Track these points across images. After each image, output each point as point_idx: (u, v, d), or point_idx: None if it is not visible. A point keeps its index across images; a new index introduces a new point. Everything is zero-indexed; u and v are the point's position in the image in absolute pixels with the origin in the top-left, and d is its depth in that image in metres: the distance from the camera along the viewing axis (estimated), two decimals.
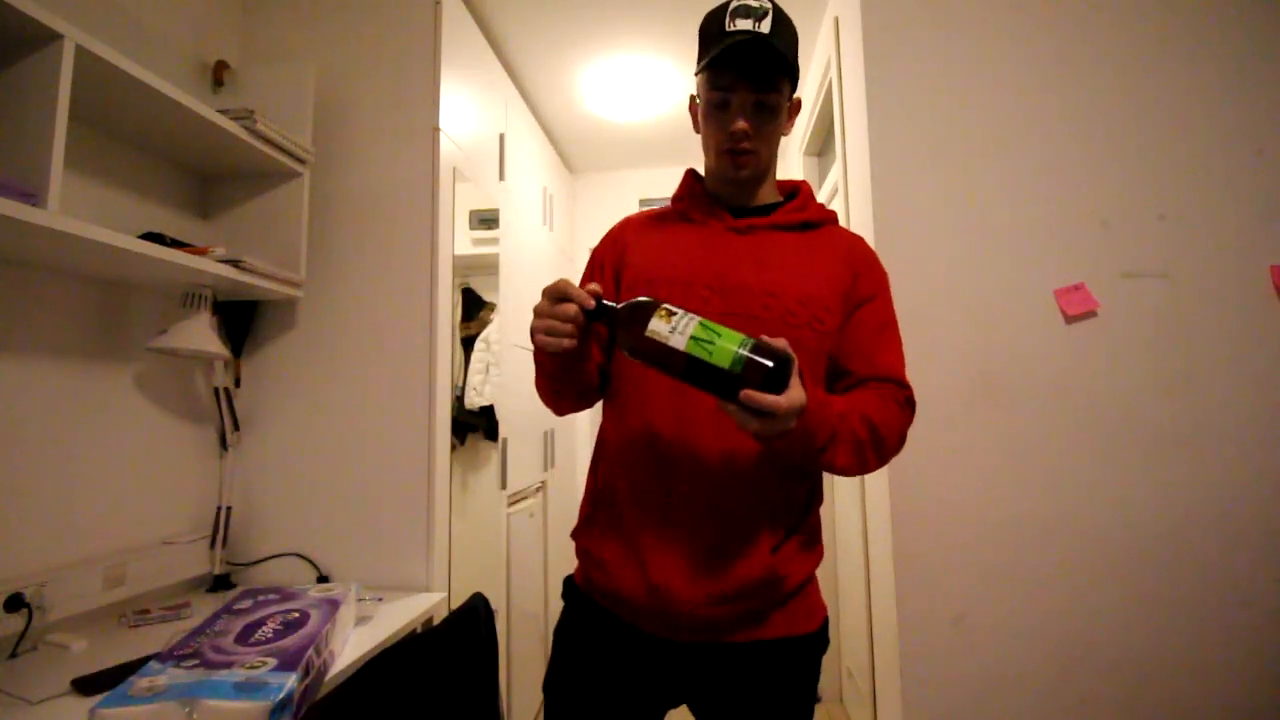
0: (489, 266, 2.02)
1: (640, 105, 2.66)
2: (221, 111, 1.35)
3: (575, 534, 1.00)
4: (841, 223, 1.80)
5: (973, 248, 1.47)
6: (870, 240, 1.50)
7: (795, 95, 0.99)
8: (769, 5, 0.91)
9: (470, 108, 1.88)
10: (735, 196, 1.00)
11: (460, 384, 1.89)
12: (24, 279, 1.20)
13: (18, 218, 0.93)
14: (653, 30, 2.17)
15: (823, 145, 2.57)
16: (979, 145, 1.49)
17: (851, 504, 1.86)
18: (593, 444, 1.03)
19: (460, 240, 1.77)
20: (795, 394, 0.72)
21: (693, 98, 1.03)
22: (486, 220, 2.01)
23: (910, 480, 1.42)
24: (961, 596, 1.39)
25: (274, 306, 1.65)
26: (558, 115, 2.72)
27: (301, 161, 1.55)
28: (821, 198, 2.54)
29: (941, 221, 1.48)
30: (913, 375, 1.43)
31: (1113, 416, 1.41)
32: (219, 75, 1.60)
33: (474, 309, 2.02)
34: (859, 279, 0.96)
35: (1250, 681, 1.35)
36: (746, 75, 0.90)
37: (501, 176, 2.12)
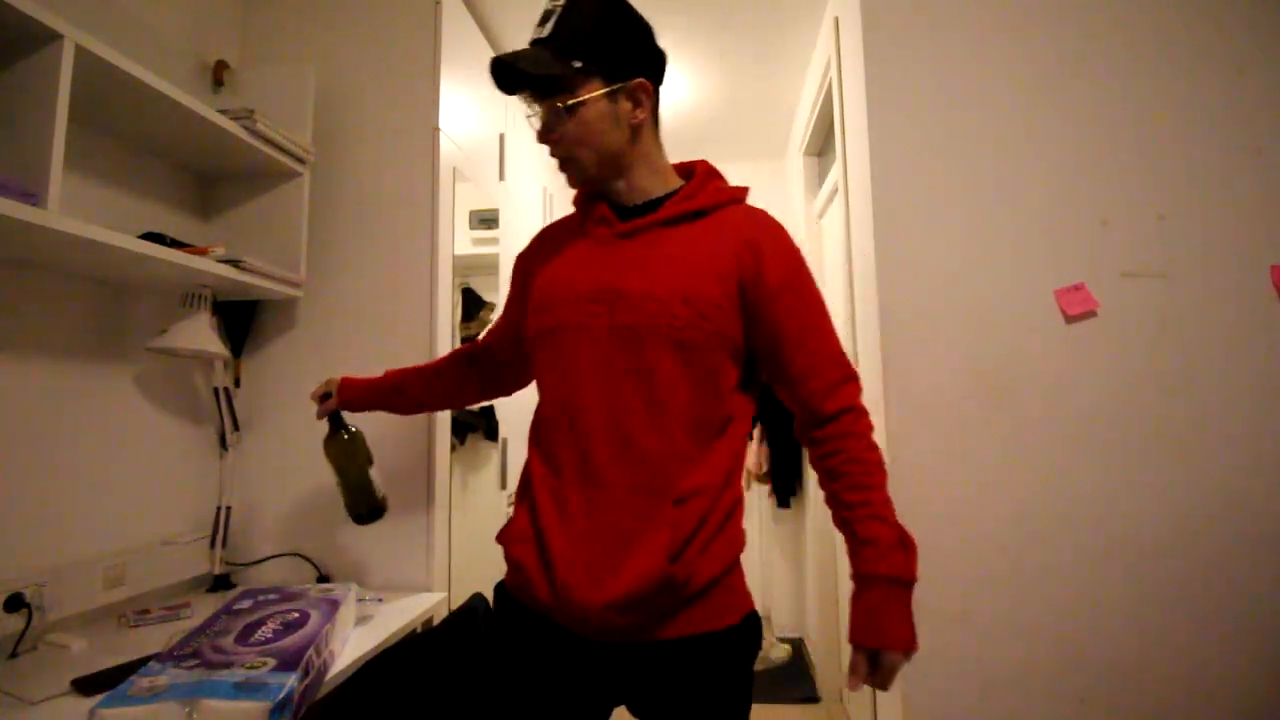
0: (489, 266, 2.02)
1: None
2: (221, 111, 1.35)
3: (500, 535, 0.97)
4: (841, 223, 1.81)
5: (973, 248, 1.47)
6: (870, 240, 1.50)
7: (619, 85, 0.90)
8: (560, 1, 0.90)
9: (470, 108, 1.88)
10: (620, 195, 0.97)
11: None
12: (24, 279, 1.20)
13: (18, 218, 0.93)
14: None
15: (823, 145, 2.57)
16: (979, 145, 1.49)
17: None
18: None
19: (460, 240, 1.77)
20: (888, 670, 0.85)
21: None
22: (486, 220, 2.01)
23: (910, 480, 1.42)
24: (962, 595, 1.40)
25: (274, 306, 1.65)
26: None
27: (301, 161, 1.55)
28: (821, 197, 2.54)
29: (941, 221, 1.48)
30: (913, 375, 1.44)
31: (1113, 416, 1.41)
32: (219, 75, 1.60)
33: (474, 309, 2.02)
34: (762, 261, 0.90)
35: (1250, 681, 1.35)
36: (525, 88, 0.92)
37: (501, 176, 2.12)
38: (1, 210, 0.90)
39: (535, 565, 0.88)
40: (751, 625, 0.91)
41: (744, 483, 1.06)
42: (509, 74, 0.90)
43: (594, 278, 0.92)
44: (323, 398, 1.29)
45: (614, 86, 0.90)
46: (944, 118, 1.50)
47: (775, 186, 3.26)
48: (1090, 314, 1.44)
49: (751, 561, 3.46)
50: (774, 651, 2.77)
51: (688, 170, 1.01)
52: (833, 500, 0.92)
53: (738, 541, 0.90)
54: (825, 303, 0.97)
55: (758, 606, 0.95)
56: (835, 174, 1.93)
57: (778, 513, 3.07)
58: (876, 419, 1.50)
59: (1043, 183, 1.47)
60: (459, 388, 1.27)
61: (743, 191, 0.99)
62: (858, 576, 0.87)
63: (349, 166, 1.67)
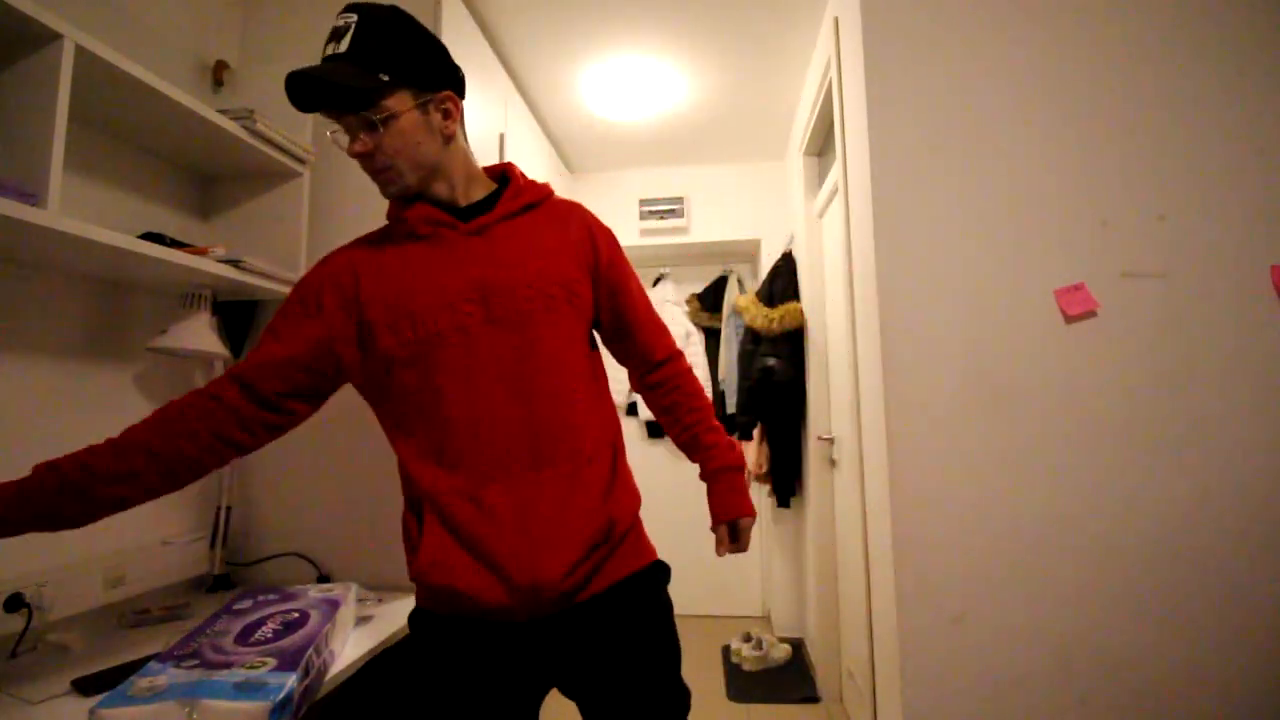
0: None
1: (640, 105, 2.67)
2: (221, 111, 1.35)
3: (408, 566, 0.95)
4: (841, 223, 1.81)
5: (973, 248, 1.47)
6: (870, 240, 1.50)
7: (429, 96, 0.94)
8: (353, 19, 0.89)
9: (470, 108, 1.88)
10: (444, 198, 1.00)
11: None
12: (24, 279, 1.20)
13: (18, 218, 0.93)
14: (652, 30, 2.17)
15: (823, 145, 2.57)
16: (979, 145, 1.49)
17: (852, 504, 1.86)
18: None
19: None
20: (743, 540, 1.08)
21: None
22: None
23: (910, 480, 1.42)
24: (961, 596, 1.40)
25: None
26: (558, 115, 2.72)
27: (301, 161, 1.55)
28: (821, 197, 2.54)
29: (941, 221, 1.48)
30: (913, 375, 1.44)
31: (1113, 416, 1.41)
32: (219, 75, 1.60)
33: None
34: (598, 242, 1.05)
35: (1251, 681, 1.35)
36: (330, 105, 0.91)
37: None
38: (1, 210, 0.90)
39: (473, 575, 0.87)
40: (661, 567, 1.02)
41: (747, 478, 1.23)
42: (312, 89, 0.89)
43: (460, 277, 0.94)
44: None
45: (424, 99, 0.94)
46: (944, 118, 1.50)
47: (775, 186, 3.26)
48: (1090, 314, 1.44)
49: (752, 561, 3.46)
50: (774, 651, 2.77)
51: (498, 172, 1.08)
52: (674, 424, 1.13)
53: (637, 492, 1.03)
54: (640, 288, 1.14)
55: (758, 606, 1.02)
56: (835, 174, 1.93)
57: (778, 513, 3.07)
58: (876, 419, 1.50)
59: (1043, 183, 1.47)
60: (202, 450, 0.91)
61: (549, 187, 1.10)
62: (709, 472, 1.09)
63: (349, 166, 1.65)
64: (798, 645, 2.91)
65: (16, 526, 0.81)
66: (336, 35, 0.90)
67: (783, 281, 2.76)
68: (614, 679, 0.93)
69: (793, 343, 2.68)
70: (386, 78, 0.89)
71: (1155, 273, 1.44)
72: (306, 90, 0.90)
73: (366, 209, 1.66)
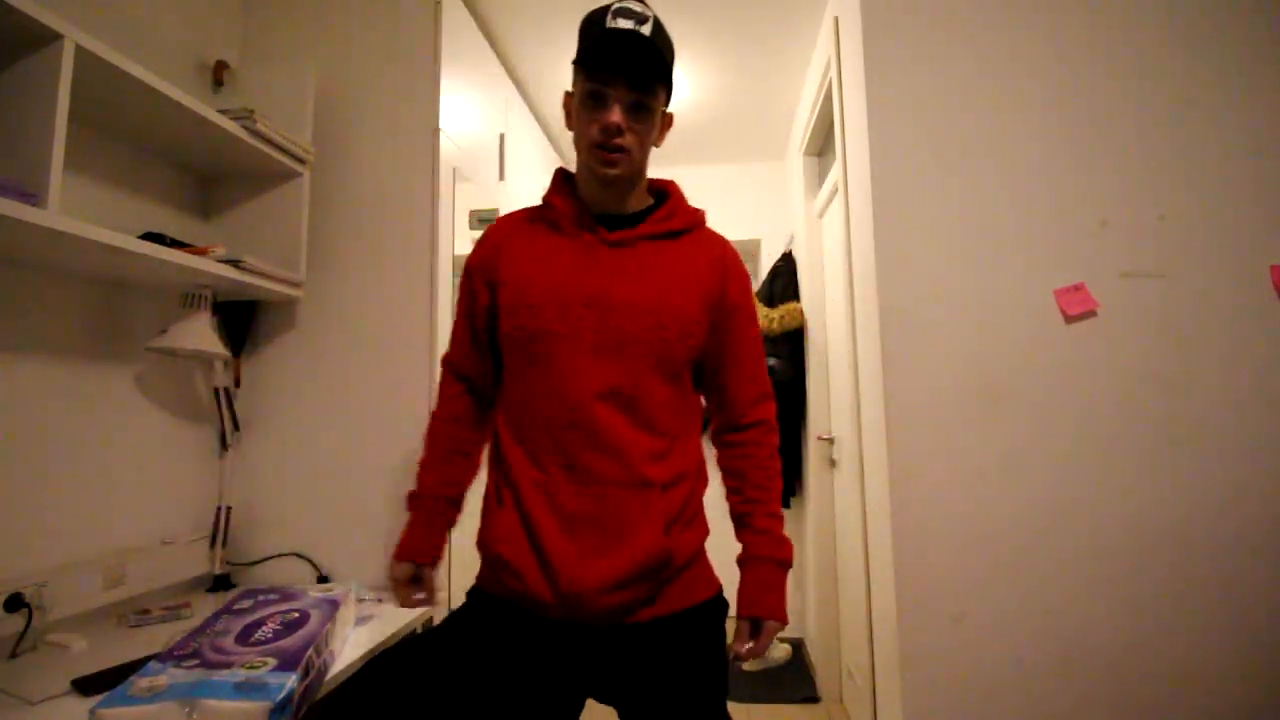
0: None
1: None
2: (221, 111, 1.35)
3: (479, 536, 1.01)
4: (841, 223, 1.81)
5: (973, 248, 1.47)
6: (870, 240, 1.50)
7: (668, 110, 1.02)
8: (650, 13, 0.94)
9: (470, 108, 1.88)
10: (605, 201, 1.01)
11: None
12: (24, 279, 1.20)
13: (18, 218, 0.93)
14: None
15: (823, 145, 2.57)
16: (979, 145, 1.49)
17: (852, 504, 1.86)
18: None
19: (460, 240, 1.77)
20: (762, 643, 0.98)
21: (567, 93, 1.02)
22: (486, 220, 2.01)
23: (910, 480, 1.42)
24: (961, 595, 1.39)
25: (274, 306, 1.65)
26: (558, 115, 2.72)
27: (301, 161, 1.55)
28: (821, 197, 2.54)
29: (941, 221, 1.48)
30: (913, 375, 1.44)
31: (1112, 416, 1.41)
32: (219, 75, 1.60)
33: None
34: (728, 285, 1.02)
35: (1250, 681, 1.35)
36: (625, 71, 0.92)
37: (501, 176, 2.12)
38: (1, 210, 0.90)
39: (527, 559, 0.91)
40: (721, 602, 1.02)
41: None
42: (644, 56, 0.91)
43: (583, 282, 0.95)
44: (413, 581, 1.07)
45: (666, 105, 1.00)
46: (944, 118, 1.50)
47: (775, 186, 3.26)
48: (1090, 314, 1.44)
49: None
50: (774, 651, 2.75)
51: (659, 189, 1.08)
52: (735, 492, 1.06)
53: (705, 526, 1.02)
54: (758, 337, 1.10)
55: None
56: (835, 174, 1.93)
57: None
58: (876, 419, 1.50)
59: (1043, 183, 1.47)
60: (482, 435, 1.13)
61: (704, 215, 1.08)
62: (749, 557, 1.01)
63: (349, 166, 1.68)
64: (798, 645, 2.91)
65: (440, 548, 1.08)
66: (634, 17, 0.92)
67: (783, 281, 2.76)
68: (663, 704, 0.93)
69: (793, 343, 2.68)
70: (671, 77, 0.96)
71: (1155, 273, 1.44)
72: (640, 54, 0.91)
73: (367, 209, 1.66)
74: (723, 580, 1.04)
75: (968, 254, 1.47)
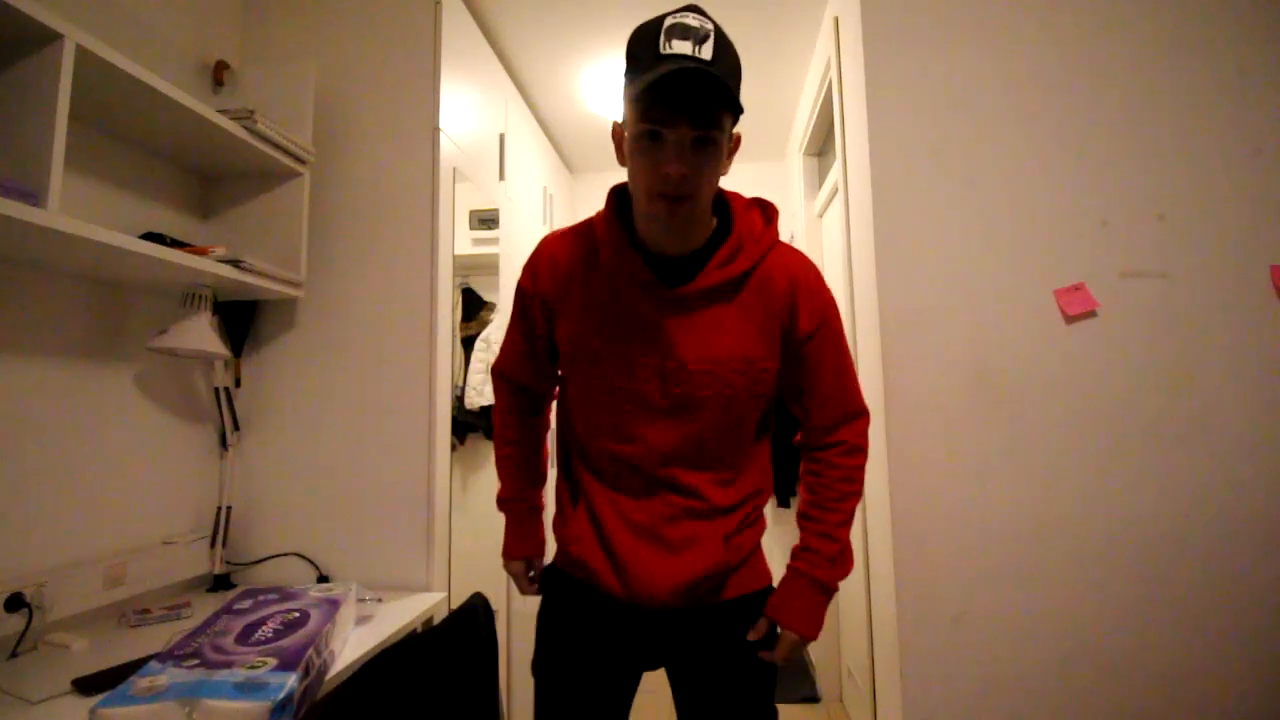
0: (489, 266, 2.02)
1: None
2: (221, 111, 1.35)
3: (554, 526, 1.10)
4: (841, 223, 1.81)
5: (973, 248, 1.47)
6: (870, 240, 1.50)
7: (736, 130, 0.88)
8: (710, 26, 0.80)
9: (470, 108, 1.88)
10: (665, 242, 0.92)
11: (460, 384, 1.89)
12: (24, 279, 1.20)
13: (18, 218, 0.93)
14: None
15: (823, 145, 2.57)
16: (979, 145, 1.49)
17: None
18: None
19: (460, 240, 1.77)
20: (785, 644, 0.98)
21: (616, 124, 0.90)
22: (486, 220, 2.01)
23: (910, 480, 1.42)
24: (961, 596, 1.39)
25: (274, 306, 1.65)
26: (558, 115, 2.72)
27: (302, 161, 1.55)
28: (821, 197, 2.54)
29: (941, 221, 1.48)
30: (913, 375, 1.44)
31: (1113, 416, 1.41)
32: (219, 75, 1.60)
33: (474, 309, 2.02)
34: (798, 317, 0.95)
35: (1250, 681, 1.35)
36: (684, 109, 0.79)
37: (501, 176, 2.12)
38: (1, 210, 0.90)
39: (601, 562, 0.98)
40: (770, 593, 1.05)
41: None
42: (706, 89, 0.78)
43: (647, 344, 0.92)
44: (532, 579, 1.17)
45: (735, 134, 0.89)
46: (944, 118, 1.50)
47: (775, 186, 3.26)
48: (1090, 314, 1.44)
49: None
50: None
51: (719, 202, 0.97)
52: (802, 505, 1.04)
53: (763, 525, 1.05)
54: (846, 342, 1.03)
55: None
56: (835, 174, 1.93)
57: (778, 513, 3.06)
58: (876, 419, 1.50)
59: (1043, 183, 1.47)
60: (540, 436, 1.20)
61: (773, 234, 0.98)
62: (790, 569, 1.01)
63: (349, 166, 1.68)
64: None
65: (541, 540, 1.16)
66: (694, 36, 0.79)
67: None
68: (712, 680, 1.00)
69: None
70: (739, 102, 0.82)
71: (1155, 272, 1.44)
72: (679, 81, 0.77)
73: (366, 209, 1.66)
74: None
75: (968, 254, 1.47)
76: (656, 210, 0.86)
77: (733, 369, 0.93)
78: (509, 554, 1.15)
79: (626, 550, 0.96)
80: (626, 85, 0.84)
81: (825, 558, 0.99)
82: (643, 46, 0.82)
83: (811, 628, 0.99)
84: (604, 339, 0.94)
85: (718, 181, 0.89)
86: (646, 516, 0.96)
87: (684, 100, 0.78)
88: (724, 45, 0.81)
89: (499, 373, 1.14)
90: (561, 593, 1.06)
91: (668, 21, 0.80)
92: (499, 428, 1.16)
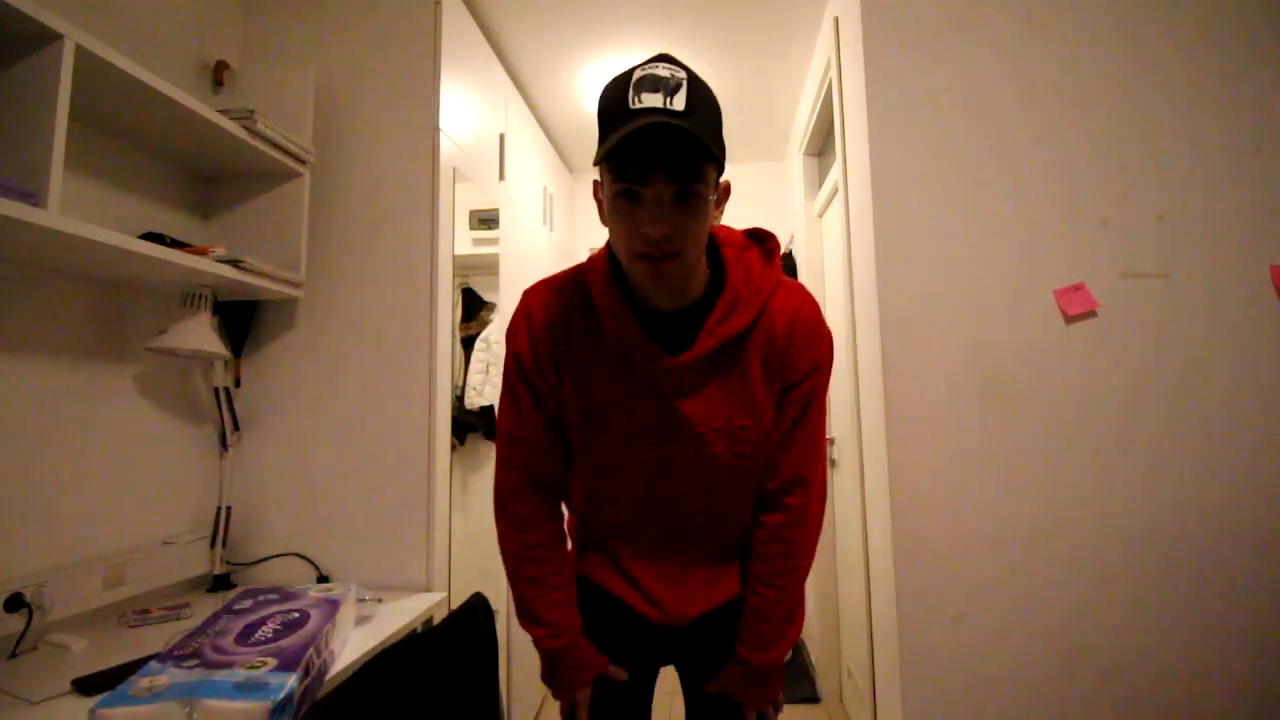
0: (489, 266, 2.03)
1: None
2: (221, 111, 1.35)
3: (573, 555, 1.08)
4: (841, 223, 1.81)
5: (973, 248, 1.47)
6: (870, 240, 1.50)
7: (723, 179, 0.84)
8: (682, 75, 0.76)
9: (470, 108, 1.88)
10: (659, 298, 0.88)
11: (460, 384, 1.89)
12: (24, 279, 1.20)
13: (18, 218, 0.93)
14: (653, 31, 2.17)
15: (823, 145, 2.57)
16: (979, 145, 1.49)
17: (851, 504, 1.86)
18: None
19: (460, 240, 1.77)
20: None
21: (596, 183, 0.86)
22: (486, 220, 2.01)
23: (910, 480, 1.42)
24: (961, 596, 1.39)
25: (274, 306, 1.65)
26: (558, 115, 2.72)
27: (302, 161, 1.55)
28: (821, 197, 2.54)
29: (941, 221, 1.48)
30: (913, 375, 1.44)
31: (1113, 416, 1.41)
32: (219, 75, 1.60)
33: (474, 309, 2.02)
34: (790, 365, 0.91)
35: (1250, 682, 1.35)
36: (660, 164, 0.75)
37: (501, 176, 2.12)
38: (1, 210, 0.90)
39: (627, 591, 1.00)
40: None
41: None
42: (684, 144, 0.74)
43: (650, 408, 0.90)
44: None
45: (717, 180, 0.83)
46: (944, 118, 1.50)
47: (775, 186, 3.26)
48: (1090, 314, 1.44)
49: None
50: None
51: (712, 247, 0.92)
52: (750, 576, 0.99)
53: None
54: (825, 400, 0.98)
55: None
56: (835, 174, 1.93)
57: None
58: (876, 419, 1.50)
59: (1043, 183, 1.47)
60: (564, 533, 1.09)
61: (776, 274, 0.93)
62: (735, 655, 0.98)
63: (349, 166, 1.68)
64: (798, 645, 2.91)
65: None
66: (665, 88, 0.75)
67: None
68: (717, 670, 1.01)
69: None
70: (718, 151, 0.77)
71: (1155, 273, 1.44)
72: (650, 137, 0.73)
73: (367, 209, 1.66)
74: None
75: (968, 254, 1.47)
76: (639, 271, 0.81)
77: (741, 428, 0.90)
78: (572, 684, 0.97)
79: (651, 586, 0.99)
80: (599, 144, 0.78)
81: (764, 643, 0.95)
82: (612, 103, 0.77)
83: (764, 699, 0.98)
84: (609, 409, 0.91)
85: (706, 234, 0.83)
86: (666, 561, 0.99)
87: (658, 156, 0.75)
88: (699, 93, 0.77)
89: (519, 466, 0.97)
90: (589, 601, 1.03)
91: (637, 74, 0.76)
92: (519, 540, 0.97)
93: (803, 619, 1.02)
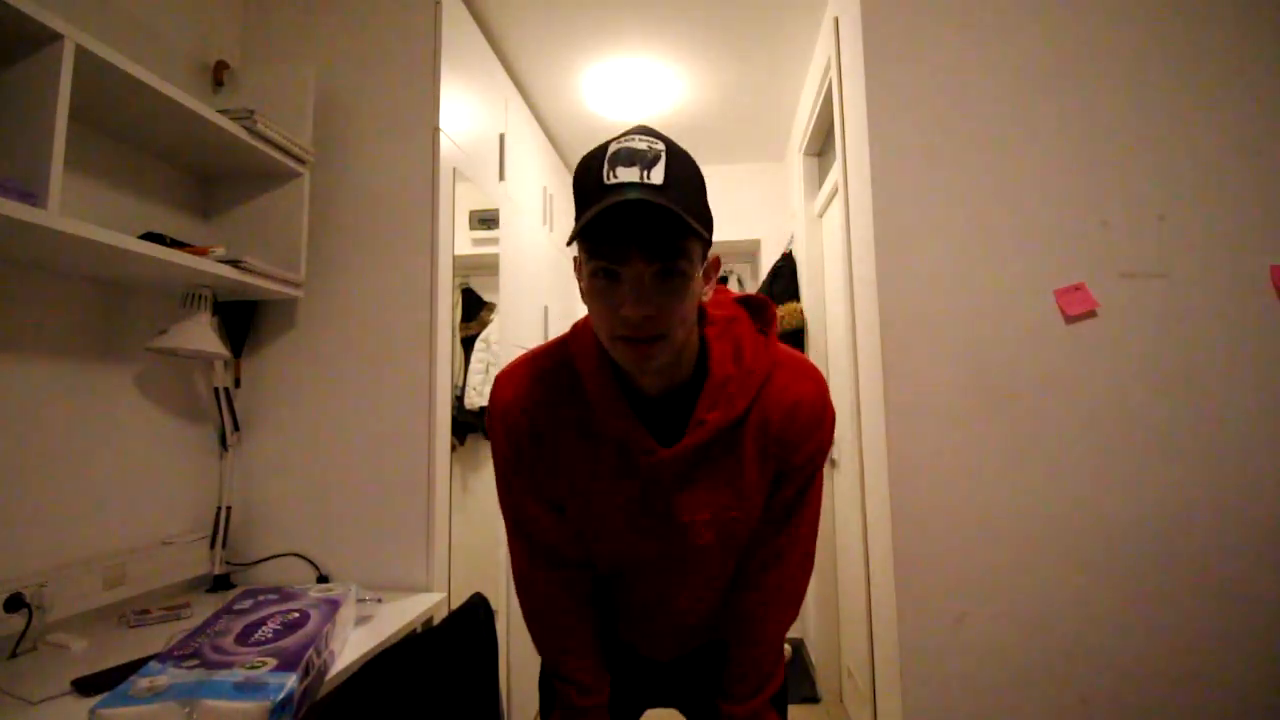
0: (489, 266, 2.03)
1: (640, 105, 2.67)
2: (221, 111, 1.35)
3: None
4: (841, 223, 1.81)
5: (973, 248, 1.47)
6: (870, 240, 1.50)
7: (711, 253, 0.79)
8: (660, 146, 0.71)
9: (470, 108, 1.88)
10: (647, 382, 0.82)
11: (460, 384, 1.89)
12: (24, 279, 1.20)
13: (18, 218, 0.93)
14: (653, 31, 2.17)
15: (823, 145, 2.57)
16: (979, 145, 1.49)
17: (851, 504, 1.86)
18: None
19: (460, 240, 1.77)
20: None
21: (576, 259, 0.79)
22: (486, 220, 2.01)
23: (910, 480, 1.42)
24: (961, 596, 1.39)
25: (274, 306, 1.65)
26: (558, 115, 2.72)
27: (301, 161, 1.55)
28: (821, 197, 2.54)
29: (941, 221, 1.48)
30: (913, 375, 1.44)
31: (1113, 416, 1.41)
32: (219, 75, 1.60)
33: (474, 309, 2.02)
34: (784, 459, 0.86)
35: (1250, 682, 1.35)
36: (637, 242, 0.70)
37: (501, 176, 2.12)
38: (1, 210, 0.90)
39: (615, 642, 1.02)
40: None
41: None
42: (663, 222, 0.68)
43: (639, 510, 0.85)
44: None
45: (706, 255, 0.78)
46: (944, 118, 1.50)
47: (775, 186, 3.26)
48: (1090, 314, 1.44)
49: None
50: None
51: (706, 340, 0.85)
52: (729, 635, 0.97)
53: None
54: (820, 492, 0.95)
55: None
56: (835, 174, 1.93)
57: None
58: (877, 418, 1.50)
59: (1043, 183, 1.47)
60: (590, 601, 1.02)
61: (773, 351, 0.86)
62: (719, 715, 0.96)
63: (349, 166, 1.68)
64: (798, 645, 2.91)
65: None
66: (641, 161, 0.70)
67: (783, 282, 2.76)
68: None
69: (793, 343, 2.68)
70: (701, 226, 0.72)
71: (1155, 273, 1.44)
72: (625, 215, 0.68)
73: (366, 209, 1.66)
74: None
75: (968, 254, 1.47)
76: (621, 354, 0.76)
77: (732, 519, 0.86)
78: None
79: (639, 642, 1.01)
80: (575, 220, 0.74)
81: (748, 692, 0.93)
82: (587, 178, 0.73)
83: None
84: (607, 513, 0.87)
85: (694, 313, 0.77)
86: (649, 629, 1.00)
87: (635, 233, 0.69)
88: (678, 165, 0.72)
89: (544, 558, 0.93)
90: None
91: (612, 148, 0.72)
92: (560, 639, 0.95)
93: (783, 668, 1.00)
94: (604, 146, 0.73)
